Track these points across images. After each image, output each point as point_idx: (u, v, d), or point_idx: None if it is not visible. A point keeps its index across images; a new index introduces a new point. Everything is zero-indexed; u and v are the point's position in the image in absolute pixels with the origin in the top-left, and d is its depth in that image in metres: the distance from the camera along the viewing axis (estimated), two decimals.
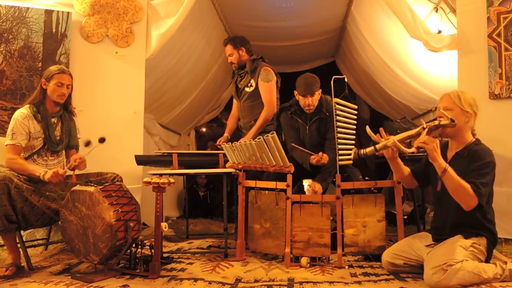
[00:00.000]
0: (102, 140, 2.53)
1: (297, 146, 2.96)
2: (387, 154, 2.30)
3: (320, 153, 2.86)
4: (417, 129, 2.12)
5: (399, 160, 2.35)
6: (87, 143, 2.54)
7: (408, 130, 2.26)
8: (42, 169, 2.41)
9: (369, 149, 2.26)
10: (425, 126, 2.08)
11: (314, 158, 2.87)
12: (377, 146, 2.24)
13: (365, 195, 2.62)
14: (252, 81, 3.30)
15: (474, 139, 2.16)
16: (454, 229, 2.13)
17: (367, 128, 2.31)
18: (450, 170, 1.99)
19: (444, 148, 2.22)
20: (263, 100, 3.24)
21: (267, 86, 3.23)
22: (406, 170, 2.39)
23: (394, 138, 2.19)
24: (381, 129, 2.29)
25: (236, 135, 3.52)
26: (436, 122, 2.08)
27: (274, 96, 3.26)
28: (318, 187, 2.83)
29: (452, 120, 2.04)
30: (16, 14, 3.22)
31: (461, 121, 2.11)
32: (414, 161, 2.83)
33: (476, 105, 2.15)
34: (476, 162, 2.05)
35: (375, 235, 2.55)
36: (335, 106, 2.62)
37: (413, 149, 2.08)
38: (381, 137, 2.26)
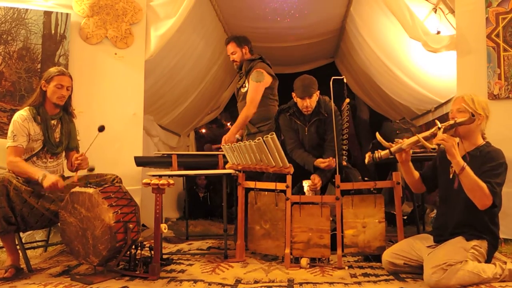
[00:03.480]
0: (101, 129, 2.49)
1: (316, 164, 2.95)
2: (400, 158, 2.30)
3: (330, 158, 2.86)
4: (432, 130, 2.13)
5: (410, 164, 2.36)
6: (101, 128, 2.51)
7: (407, 131, 2.27)
8: (41, 173, 2.39)
9: (384, 153, 2.27)
10: (440, 126, 2.10)
11: (324, 163, 2.87)
12: (392, 149, 2.25)
13: (365, 195, 2.62)
14: (246, 82, 3.31)
15: (484, 142, 2.19)
16: (456, 229, 2.13)
17: (377, 135, 2.34)
18: (468, 168, 2.01)
19: None
20: (247, 97, 3.23)
21: (254, 85, 3.22)
22: (417, 174, 2.40)
23: (407, 141, 2.20)
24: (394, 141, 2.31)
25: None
26: (452, 122, 2.11)
27: (259, 95, 3.23)
28: (318, 180, 2.83)
29: (473, 115, 2.05)
30: (15, 16, 3.22)
31: (473, 124, 2.13)
32: (415, 161, 2.84)
33: (488, 108, 2.19)
34: (490, 163, 2.07)
35: (375, 236, 2.55)
36: (346, 106, 2.63)
37: (434, 146, 2.08)
38: (392, 144, 2.27)
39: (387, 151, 2.27)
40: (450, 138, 2.04)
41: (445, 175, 2.27)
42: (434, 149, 2.10)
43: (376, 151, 2.31)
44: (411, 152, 2.31)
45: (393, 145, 2.27)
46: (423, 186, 2.42)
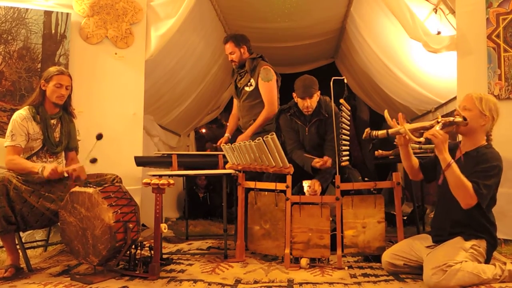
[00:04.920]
0: (99, 137, 2.51)
1: (309, 156, 2.97)
2: (399, 141, 2.32)
3: (325, 158, 2.86)
4: (431, 122, 2.15)
5: (409, 148, 2.37)
6: (99, 136, 2.52)
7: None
8: (40, 165, 2.40)
9: (381, 132, 2.30)
10: (439, 120, 2.11)
11: (318, 162, 2.87)
12: (390, 130, 2.27)
13: (365, 196, 2.62)
14: (251, 80, 3.29)
15: (486, 143, 2.18)
16: (454, 228, 2.13)
17: (385, 113, 2.33)
18: (454, 165, 2.02)
19: (454, 148, 2.22)
20: (264, 100, 3.23)
21: (268, 86, 3.23)
22: (415, 160, 2.41)
23: (407, 126, 2.21)
24: (400, 114, 2.32)
25: (238, 135, 3.52)
26: (451, 119, 2.11)
27: (275, 95, 3.26)
28: (318, 185, 2.83)
29: (464, 119, 2.06)
30: (15, 15, 3.22)
31: (477, 123, 2.14)
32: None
33: (497, 110, 2.17)
34: (483, 164, 2.07)
35: (375, 236, 2.55)
36: (340, 107, 2.62)
37: (422, 139, 2.12)
38: (397, 123, 2.28)
39: (384, 131, 2.29)
40: (441, 134, 2.04)
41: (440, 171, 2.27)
42: (419, 142, 2.13)
43: (374, 130, 2.34)
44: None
45: (397, 125, 2.28)
46: (420, 173, 2.42)
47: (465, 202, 2.02)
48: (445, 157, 2.04)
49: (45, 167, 2.37)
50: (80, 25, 3.36)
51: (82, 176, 2.52)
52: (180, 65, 4.50)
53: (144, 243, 2.40)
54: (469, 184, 1.99)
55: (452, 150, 2.17)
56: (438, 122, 2.10)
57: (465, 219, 2.10)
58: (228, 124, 3.73)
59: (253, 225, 2.73)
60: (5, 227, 2.27)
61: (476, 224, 2.10)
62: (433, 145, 2.92)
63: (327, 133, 3.02)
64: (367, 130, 2.36)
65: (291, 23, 4.73)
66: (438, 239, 2.19)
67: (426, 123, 2.19)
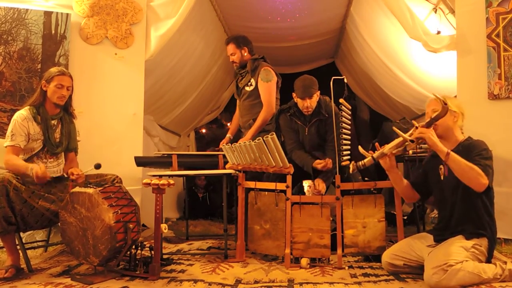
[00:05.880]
0: (98, 167, 2.51)
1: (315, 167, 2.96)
2: (385, 165, 2.35)
3: (327, 159, 2.86)
4: (410, 131, 2.20)
5: (397, 171, 2.39)
6: (97, 166, 2.51)
7: (407, 131, 2.27)
8: (30, 165, 2.37)
9: (367, 160, 2.35)
10: (417, 125, 2.15)
11: (320, 164, 2.87)
12: (375, 155, 2.32)
13: (365, 195, 2.62)
14: (252, 80, 3.30)
15: (464, 138, 2.23)
16: (457, 228, 2.14)
17: (360, 148, 2.41)
18: (452, 153, 2.05)
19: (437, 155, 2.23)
20: (262, 100, 3.23)
21: (267, 86, 3.23)
22: (405, 181, 2.42)
23: (386, 147, 2.27)
24: (376, 143, 2.39)
25: (239, 136, 3.53)
26: (428, 120, 2.15)
27: (274, 96, 3.26)
28: (322, 186, 2.82)
29: (445, 103, 2.07)
30: (15, 16, 3.22)
31: (450, 121, 2.20)
32: (414, 161, 2.84)
33: (462, 107, 2.25)
34: (474, 151, 2.11)
35: (375, 236, 2.55)
36: (340, 106, 2.63)
37: (413, 138, 2.14)
38: (374, 152, 2.35)
39: (370, 158, 2.34)
40: (426, 130, 2.09)
41: (436, 178, 2.29)
42: (412, 141, 2.15)
43: (359, 160, 2.38)
44: (409, 155, 2.35)
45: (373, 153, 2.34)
46: (415, 193, 2.43)
47: (478, 183, 2.02)
48: (441, 149, 2.07)
49: (33, 168, 2.33)
50: (80, 26, 3.36)
51: (79, 182, 2.51)
52: (180, 65, 4.50)
53: (145, 243, 2.40)
54: (474, 166, 2.01)
55: (437, 156, 2.18)
56: (417, 128, 2.14)
57: (466, 214, 2.11)
58: (230, 124, 3.74)
59: (253, 225, 2.73)
60: (5, 228, 2.27)
61: (479, 220, 2.10)
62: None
63: (327, 133, 3.01)
64: (353, 163, 2.41)
65: (291, 23, 4.73)
66: (440, 238, 2.19)
67: (400, 138, 2.23)
